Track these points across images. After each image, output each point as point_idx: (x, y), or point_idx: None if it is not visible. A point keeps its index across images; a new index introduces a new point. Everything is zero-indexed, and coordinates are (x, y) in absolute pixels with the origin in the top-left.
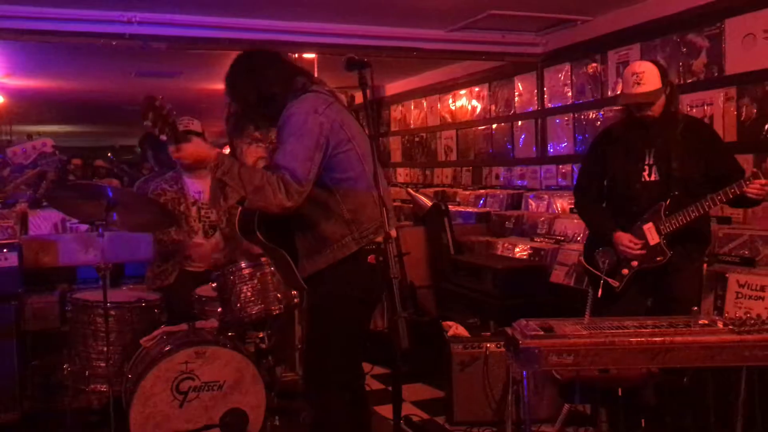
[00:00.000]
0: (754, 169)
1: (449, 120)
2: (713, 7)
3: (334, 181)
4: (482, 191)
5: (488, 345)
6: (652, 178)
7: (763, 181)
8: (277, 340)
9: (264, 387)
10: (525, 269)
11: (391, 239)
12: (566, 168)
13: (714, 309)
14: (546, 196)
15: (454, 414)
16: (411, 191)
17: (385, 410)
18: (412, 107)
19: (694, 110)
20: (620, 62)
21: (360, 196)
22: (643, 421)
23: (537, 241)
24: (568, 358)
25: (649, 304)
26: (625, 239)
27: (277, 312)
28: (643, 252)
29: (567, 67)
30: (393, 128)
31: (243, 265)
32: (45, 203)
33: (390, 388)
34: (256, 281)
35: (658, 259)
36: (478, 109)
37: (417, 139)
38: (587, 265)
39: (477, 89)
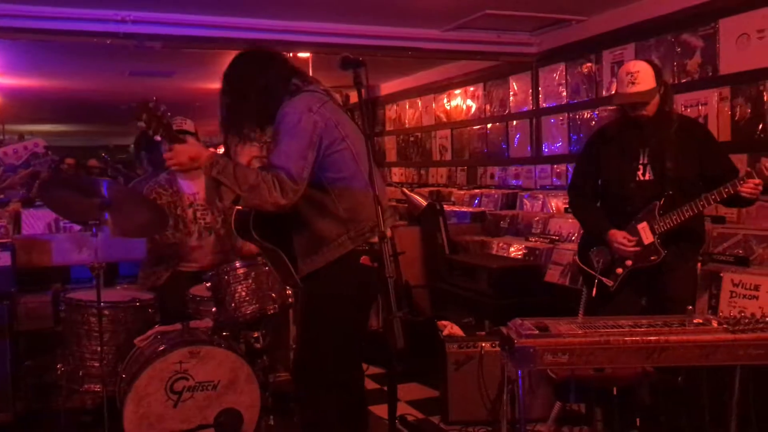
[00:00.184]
0: (748, 169)
1: (444, 119)
2: (707, 7)
3: (329, 180)
4: (477, 191)
5: (483, 344)
6: (647, 178)
7: (756, 180)
8: (271, 340)
9: (258, 387)
10: (520, 269)
11: (387, 239)
12: (561, 167)
13: (708, 308)
14: (541, 196)
15: (449, 413)
16: (406, 191)
17: (381, 410)
18: (407, 107)
19: (689, 110)
20: (615, 62)
21: (356, 195)
22: (638, 420)
23: (532, 241)
24: (563, 357)
25: (644, 303)
26: (619, 236)
27: (272, 311)
28: (637, 250)
29: (562, 66)
30: (388, 128)
31: (237, 264)
32: (38, 202)
33: (385, 388)
34: (250, 281)
35: (653, 258)
36: (473, 109)
37: (412, 138)
38: (582, 265)
39: (472, 89)
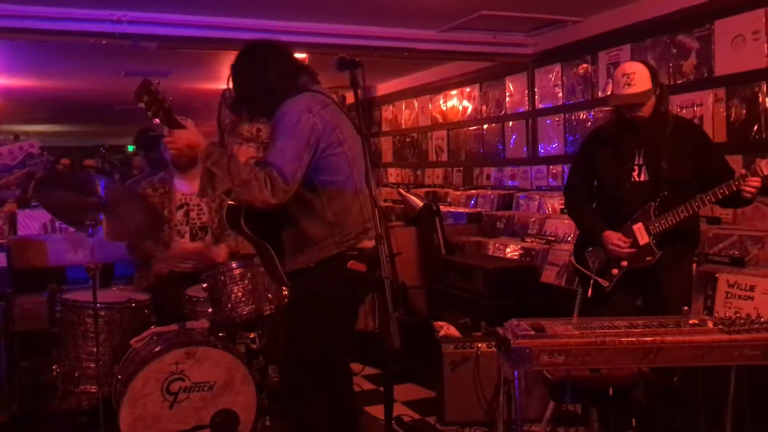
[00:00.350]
0: (743, 170)
1: (440, 120)
2: (703, 9)
3: (322, 182)
4: (473, 191)
5: (479, 345)
6: (642, 179)
7: (756, 178)
8: (267, 341)
9: (255, 387)
10: (516, 269)
11: (383, 239)
12: (557, 168)
13: (704, 309)
14: (537, 197)
15: (445, 414)
16: (402, 191)
17: (377, 410)
18: (403, 107)
19: (684, 111)
20: (611, 63)
21: (346, 200)
22: (633, 420)
23: (528, 242)
24: (559, 358)
25: (639, 303)
26: (613, 237)
27: (268, 312)
28: (632, 251)
29: (558, 67)
30: (384, 128)
31: (234, 265)
32: (34, 203)
33: (381, 389)
34: (247, 281)
35: (648, 259)
36: (469, 110)
37: (408, 139)
38: (577, 265)
39: (468, 90)
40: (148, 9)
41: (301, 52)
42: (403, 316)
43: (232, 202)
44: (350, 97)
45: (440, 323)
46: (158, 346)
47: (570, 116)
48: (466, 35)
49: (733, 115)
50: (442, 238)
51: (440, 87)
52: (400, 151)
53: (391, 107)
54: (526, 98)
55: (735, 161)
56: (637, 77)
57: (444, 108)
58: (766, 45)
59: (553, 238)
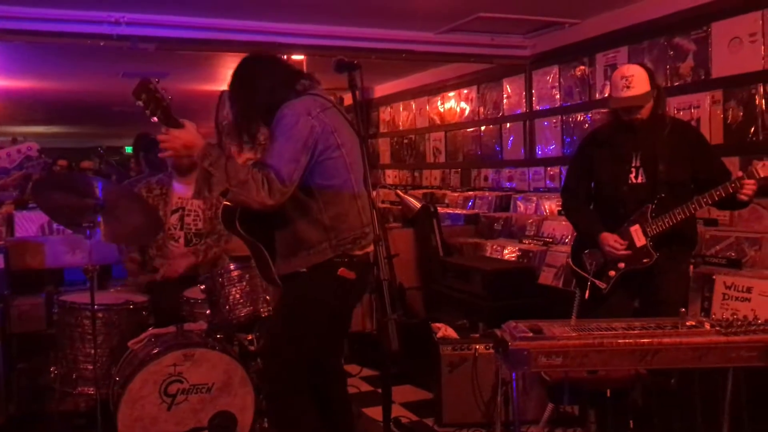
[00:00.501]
0: (740, 172)
1: (438, 122)
2: (700, 11)
3: (319, 186)
4: (471, 193)
5: (477, 346)
6: (639, 181)
7: (752, 181)
8: (265, 343)
9: (253, 389)
10: (513, 271)
11: (381, 241)
12: (554, 170)
13: (701, 310)
14: (534, 198)
15: (443, 415)
16: (400, 193)
17: (375, 412)
18: (401, 109)
19: (681, 113)
20: (608, 65)
21: (343, 204)
22: (631, 422)
23: (525, 243)
24: (557, 360)
25: (637, 305)
26: (610, 239)
27: (266, 314)
28: (629, 253)
29: (555, 69)
30: (382, 130)
31: (232, 267)
32: (31, 204)
33: (379, 390)
34: (244, 283)
35: (645, 260)
36: (467, 111)
37: (406, 140)
38: (575, 267)
39: (465, 91)
40: (146, 11)
41: (299, 54)
42: (400, 318)
43: (227, 203)
44: (348, 99)
45: (438, 325)
46: (156, 348)
47: (567, 118)
48: (464, 37)
49: (730, 117)
50: (439, 239)
51: (438, 88)
52: (397, 152)
53: (388, 109)
54: (524, 100)
55: (732, 163)
56: (636, 80)
57: (441, 109)
58: (762, 47)
59: (551, 240)
